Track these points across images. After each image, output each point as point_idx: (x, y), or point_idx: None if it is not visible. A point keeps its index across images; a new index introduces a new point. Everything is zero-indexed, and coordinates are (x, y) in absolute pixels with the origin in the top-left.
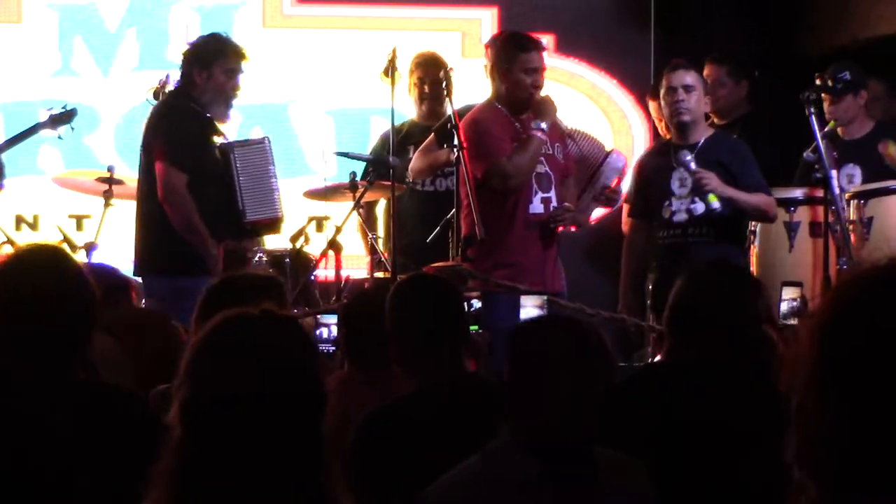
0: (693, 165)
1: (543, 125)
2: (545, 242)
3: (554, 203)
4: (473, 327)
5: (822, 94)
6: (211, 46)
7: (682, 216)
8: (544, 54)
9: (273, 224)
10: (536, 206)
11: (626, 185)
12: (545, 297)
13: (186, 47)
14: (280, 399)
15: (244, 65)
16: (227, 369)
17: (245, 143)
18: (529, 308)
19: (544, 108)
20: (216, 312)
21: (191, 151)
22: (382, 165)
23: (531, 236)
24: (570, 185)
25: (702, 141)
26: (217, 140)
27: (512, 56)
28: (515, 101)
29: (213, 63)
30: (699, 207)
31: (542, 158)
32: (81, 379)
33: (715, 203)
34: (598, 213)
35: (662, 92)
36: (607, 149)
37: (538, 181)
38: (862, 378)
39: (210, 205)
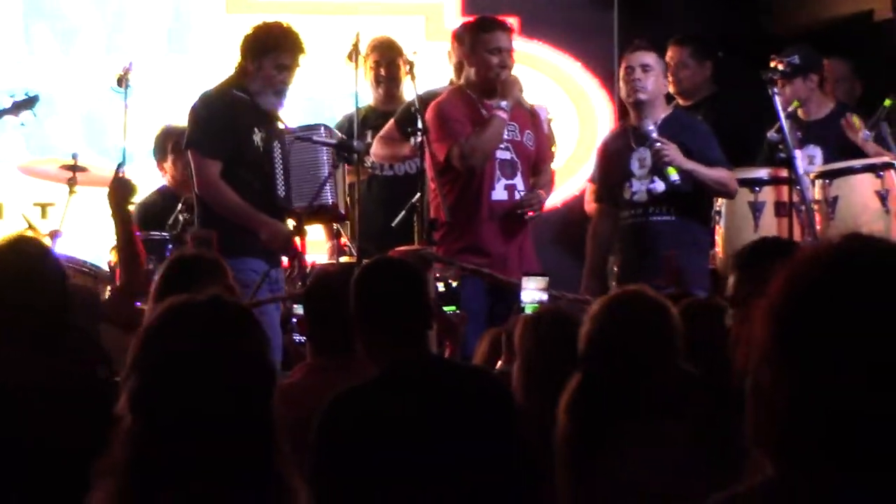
0: (654, 135)
1: (504, 104)
2: (509, 229)
3: (521, 190)
4: (451, 308)
5: (775, 77)
6: (267, 38)
7: (642, 196)
8: (509, 33)
9: (323, 211)
10: (499, 193)
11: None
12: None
13: (247, 32)
14: (227, 384)
15: (301, 59)
16: (172, 357)
17: (296, 131)
18: (531, 290)
19: (508, 88)
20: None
21: (224, 140)
22: (346, 150)
23: (494, 223)
24: (543, 176)
25: (660, 120)
26: (259, 129)
27: (476, 38)
28: (483, 83)
29: (265, 55)
30: (658, 186)
31: (509, 145)
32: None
33: (674, 175)
34: (567, 195)
35: (622, 71)
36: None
37: (502, 168)
38: (816, 356)
39: (247, 192)
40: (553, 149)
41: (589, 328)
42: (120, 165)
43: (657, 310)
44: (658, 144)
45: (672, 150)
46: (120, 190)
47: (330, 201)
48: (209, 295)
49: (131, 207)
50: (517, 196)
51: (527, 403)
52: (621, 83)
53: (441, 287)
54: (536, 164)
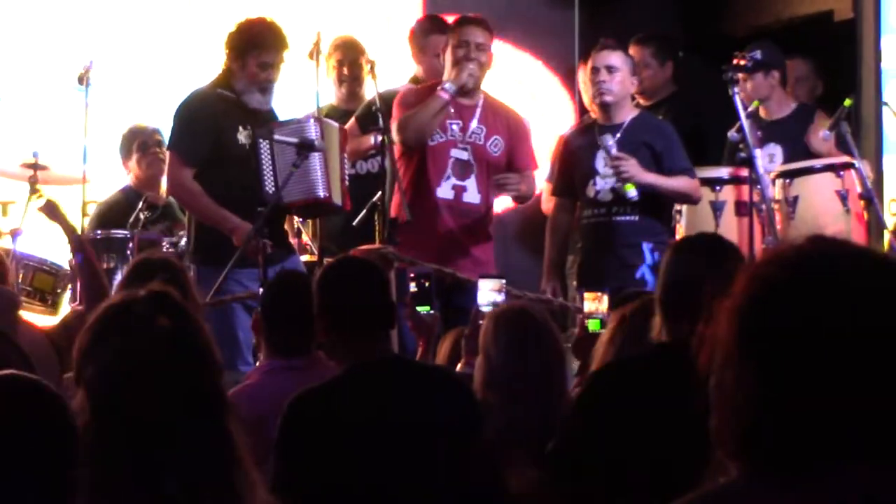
0: (614, 151)
1: (448, 86)
2: (453, 228)
3: (474, 193)
4: (425, 308)
5: (738, 74)
6: (249, 36)
7: (606, 195)
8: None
9: (315, 206)
10: (445, 191)
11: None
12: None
13: (230, 30)
14: (171, 375)
15: (285, 54)
16: (117, 352)
17: (283, 125)
18: (486, 290)
19: (457, 73)
20: None
21: (202, 144)
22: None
23: (439, 220)
24: (529, 177)
25: (627, 121)
26: (244, 127)
27: (449, 35)
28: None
29: (248, 53)
30: (631, 193)
31: (468, 146)
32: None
33: (631, 192)
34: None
35: (588, 71)
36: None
37: (454, 166)
38: (778, 357)
39: (233, 190)
40: None
41: None
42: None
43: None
44: (616, 161)
45: (630, 166)
46: (51, 211)
47: (321, 195)
48: (150, 290)
49: (92, 207)
50: (464, 198)
51: (489, 399)
52: (587, 84)
53: (413, 287)
54: (515, 168)
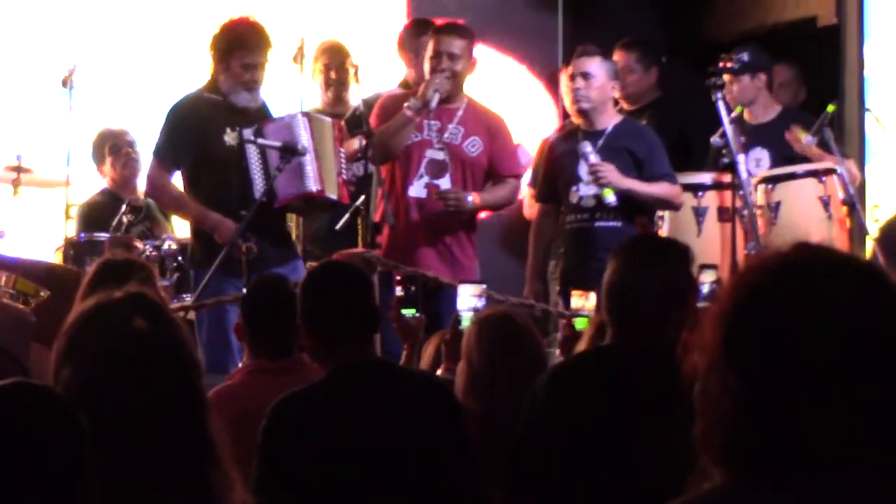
0: (592, 158)
1: (412, 103)
2: (427, 229)
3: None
4: (411, 311)
5: (724, 76)
6: (231, 37)
7: (589, 201)
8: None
9: (310, 200)
10: (417, 190)
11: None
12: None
13: (214, 31)
14: (150, 376)
15: (269, 53)
16: (95, 353)
17: (272, 122)
18: (465, 295)
19: (423, 89)
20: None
21: (183, 148)
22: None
23: (414, 220)
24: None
25: (609, 128)
26: (232, 129)
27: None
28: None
29: (231, 55)
30: (611, 199)
31: (445, 146)
32: None
33: (609, 197)
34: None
35: (567, 78)
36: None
37: (429, 166)
38: (763, 363)
39: (221, 192)
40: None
41: None
42: None
43: None
44: (594, 167)
45: (608, 172)
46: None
47: (313, 188)
48: (127, 291)
49: (74, 209)
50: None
51: (471, 405)
52: (566, 90)
53: (399, 290)
54: (496, 174)
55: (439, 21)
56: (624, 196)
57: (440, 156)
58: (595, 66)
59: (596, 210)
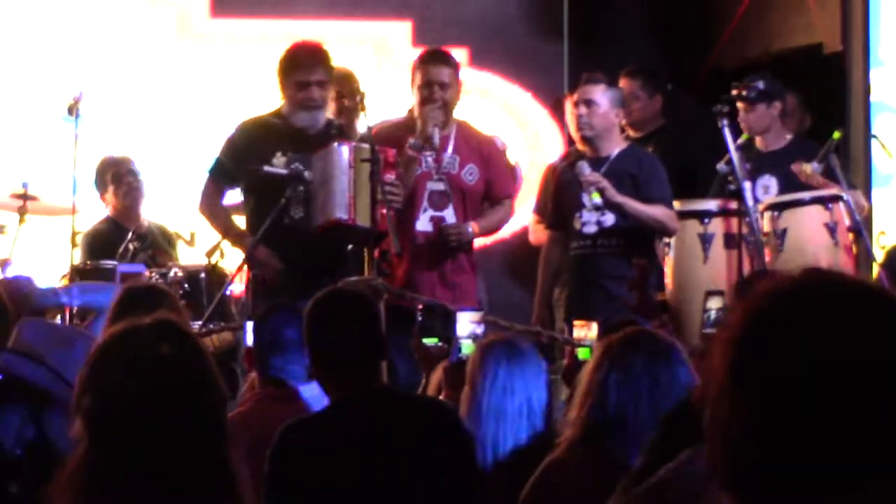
0: (586, 171)
1: (413, 143)
2: (432, 260)
3: (452, 222)
4: (433, 340)
5: (738, 104)
6: (287, 59)
7: (591, 228)
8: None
9: (341, 228)
10: (424, 224)
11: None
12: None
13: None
14: (175, 404)
15: (325, 72)
16: (121, 379)
17: (317, 151)
18: (465, 322)
19: (422, 125)
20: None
21: (229, 165)
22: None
23: (419, 253)
24: (494, 211)
25: (614, 154)
26: (284, 152)
27: (412, 74)
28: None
29: (287, 76)
30: (608, 219)
31: (444, 177)
32: None
33: (597, 199)
34: (515, 226)
35: (572, 105)
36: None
37: (431, 198)
38: (773, 389)
39: (264, 215)
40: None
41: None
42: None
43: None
44: (587, 177)
45: (603, 182)
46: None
47: (340, 216)
48: (155, 318)
49: (80, 237)
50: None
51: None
52: (570, 117)
53: (420, 318)
54: (492, 197)
55: (451, 47)
56: (623, 217)
57: (440, 186)
58: (599, 93)
59: (598, 237)
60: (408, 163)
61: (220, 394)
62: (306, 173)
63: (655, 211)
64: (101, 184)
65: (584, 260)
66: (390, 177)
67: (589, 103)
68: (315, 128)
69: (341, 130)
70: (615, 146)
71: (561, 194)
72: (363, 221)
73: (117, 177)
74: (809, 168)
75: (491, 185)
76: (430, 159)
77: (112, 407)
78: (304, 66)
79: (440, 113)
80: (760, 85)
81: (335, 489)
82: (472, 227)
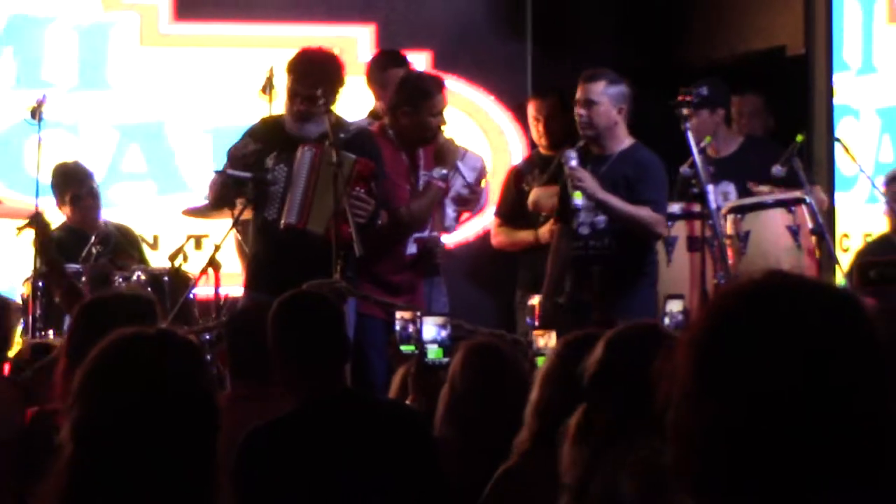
0: (572, 163)
1: (445, 173)
2: (415, 276)
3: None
4: (409, 348)
5: (683, 109)
6: (288, 66)
7: (585, 229)
8: (444, 91)
9: (293, 230)
10: (410, 248)
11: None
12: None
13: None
14: (175, 417)
15: (316, 85)
16: (121, 390)
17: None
18: (431, 326)
19: (448, 155)
20: (88, 333)
21: (235, 158)
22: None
23: (403, 274)
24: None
25: (616, 154)
26: (279, 152)
27: (417, 100)
28: (414, 140)
29: (288, 83)
30: (601, 220)
31: None
32: None
33: (578, 200)
34: (478, 229)
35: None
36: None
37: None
38: (737, 390)
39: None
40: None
41: (597, 360)
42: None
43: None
44: (572, 171)
45: (585, 179)
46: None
47: (290, 221)
48: (157, 328)
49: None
50: (424, 246)
51: (449, 431)
52: (535, 120)
53: (398, 326)
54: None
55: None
56: (588, 205)
57: None
58: (598, 91)
59: (590, 238)
60: (437, 194)
61: (214, 411)
62: (268, 175)
63: (641, 212)
64: (58, 195)
65: (578, 261)
66: (360, 190)
67: (589, 103)
68: (309, 136)
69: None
70: (618, 144)
71: (565, 190)
72: (316, 227)
73: (76, 199)
74: (766, 188)
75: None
76: (423, 179)
77: (106, 417)
78: (299, 77)
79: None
80: (704, 91)
81: (300, 492)
82: (438, 235)
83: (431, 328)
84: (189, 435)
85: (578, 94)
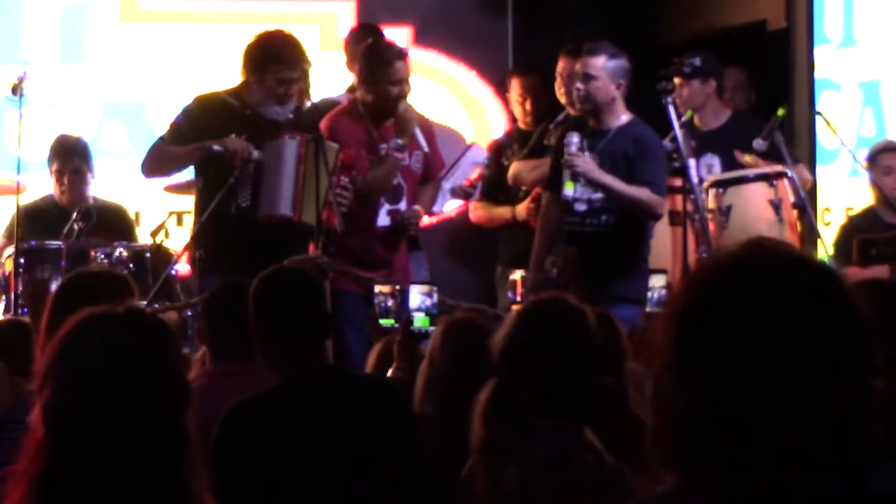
0: (574, 148)
1: (401, 142)
2: (388, 249)
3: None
4: (389, 321)
5: (674, 78)
6: (267, 51)
7: (582, 206)
8: (407, 60)
9: (286, 223)
10: (383, 219)
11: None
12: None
13: (249, 42)
14: (144, 397)
15: (305, 68)
16: (91, 369)
17: (270, 142)
18: (417, 294)
19: (405, 125)
20: (67, 311)
21: (190, 141)
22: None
23: (375, 246)
24: (429, 189)
25: (614, 129)
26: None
27: (375, 68)
28: (379, 111)
29: (265, 69)
30: (598, 198)
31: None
32: None
33: (568, 190)
34: (457, 205)
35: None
36: (468, 142)
37: (386, 193)
38: (716, 363)
39: (213, 194)
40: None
41: (506, 334)
42: None
43: (576, 316)
44: (570, 156)
45: (583, 163)
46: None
47: (286, 213)
48: (127, 307)
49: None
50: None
51: (428, 406)
52: (518, 95)
53: (377, 301)
54: (426, 177)
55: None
56: (579, 194)
57: (397, 180)
58: (597, 65)
59: (587, 215)
60: (394, 164)
61: (185, 388)
62: (255, 153)
63: (640, 193)
64: (50, 166)
65: (572, 237)
66: (345, 179)
67: (588, 77)
68: (284, 119)
69: (302, 119)
70: (615, 120)
71: (556, 159)
72: (309, 219)
73: (59, 174)
74: (751, 158)
75: (428, 166)
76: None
77: (77, 396)
78: (288, 63)
79: (412, 110)
80: (697, 61)
81: (280, 470)
82: (420, 210)
83: (417, 296)
84: (158, 414)
85: (577, 67)
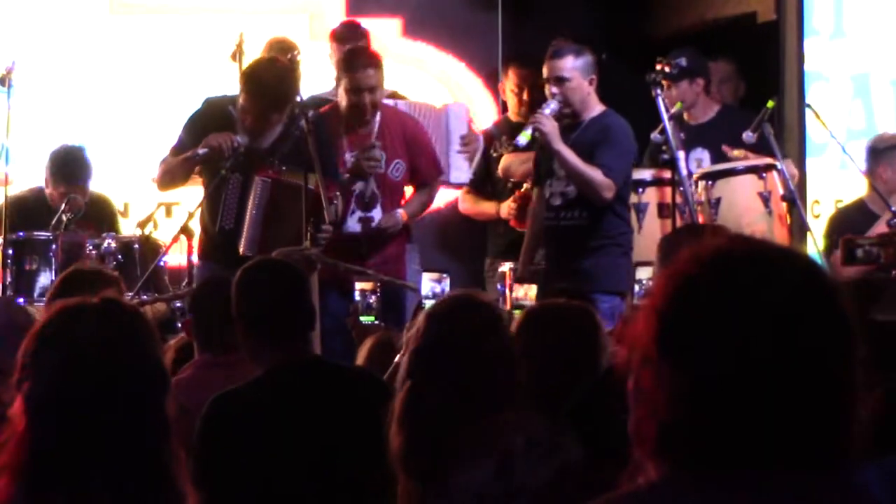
0: (547, 111)
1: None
2: (366, 252)
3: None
4: (369, 318)
5: (662, 80)
6: (242, 76)
7: (557, 200)
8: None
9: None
10: (352, 226)
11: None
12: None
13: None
14: (121, 386)
15: (263, 104)
16: (65, 358)
17: (265, 173)
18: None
19: (360, 171)
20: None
21: (190, 144)
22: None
23: (344, 251)
24: (421, 195)
25: (586, 121)
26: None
27: (344, 76)
28: (350, 118)
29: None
30: (572, 191)
31: (372, 177)
32: None
33: (522, 139)
34: (448, 197)
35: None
36: (438, 107)
37: (358, 200)
38: (697, 357)
39: (214, 204)
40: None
41: (416, 336)
42: None
43: (485, 312)
44: (537, 115)
45: (545, 124)
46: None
47: (246, 252)
48: (102, 297)
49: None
50: (372, 226)
51: None
52: (511, 89)
53: (357, 297)
54: (416, 182)
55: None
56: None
57: (370, 188)
58: (567, 66)
59: (562, 209)
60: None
61: (160, 378)
62: (238, 139)
63: (592, 172)
64: (50, 177)
65: (549, 231)
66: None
67: (560, 80)
68: (258, 147)
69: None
70: (589, 112)
71: (541, 153)
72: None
73: (62, 195)
74: (739, 152)
75: (415, 172)
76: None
77: (54, 386)
78: (246, 92)
79: (374, 122)
80: (683, 62)
81: (264, 458)
82: (402, 215)
83: (427, 283)
84: (137, 402)
85: (546, 73)
